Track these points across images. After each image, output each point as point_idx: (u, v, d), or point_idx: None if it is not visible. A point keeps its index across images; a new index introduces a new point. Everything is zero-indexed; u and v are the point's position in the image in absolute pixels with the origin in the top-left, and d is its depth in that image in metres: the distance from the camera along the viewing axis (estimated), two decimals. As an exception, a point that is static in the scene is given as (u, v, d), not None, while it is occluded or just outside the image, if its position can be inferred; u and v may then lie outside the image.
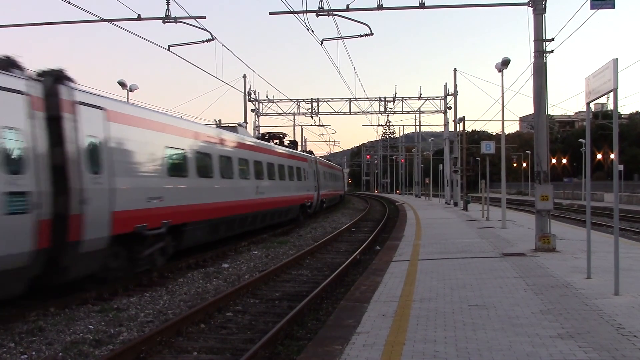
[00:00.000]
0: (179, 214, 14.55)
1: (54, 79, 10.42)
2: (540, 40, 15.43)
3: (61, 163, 10.21)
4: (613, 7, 14.45)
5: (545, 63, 15.49)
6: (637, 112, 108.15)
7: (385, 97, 45.74)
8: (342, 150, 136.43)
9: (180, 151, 15.08)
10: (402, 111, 46.78)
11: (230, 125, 24.49)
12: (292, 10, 17.80)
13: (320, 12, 17.71)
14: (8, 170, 8.95)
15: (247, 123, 39.53)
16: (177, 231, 14.53)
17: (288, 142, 35.75)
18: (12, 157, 9.15)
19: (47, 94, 10.12)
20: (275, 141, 31.78)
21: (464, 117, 37.85)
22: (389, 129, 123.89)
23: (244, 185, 20.22)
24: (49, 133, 9.97)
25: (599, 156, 76.74)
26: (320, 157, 46.20)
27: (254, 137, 27.86)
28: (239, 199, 19.41)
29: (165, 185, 13.98)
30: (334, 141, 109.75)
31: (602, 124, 63.93)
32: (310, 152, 41.59)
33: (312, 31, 18.81)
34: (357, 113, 47.19)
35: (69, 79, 10.76)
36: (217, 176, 17.57)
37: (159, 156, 13.82)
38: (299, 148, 43.84)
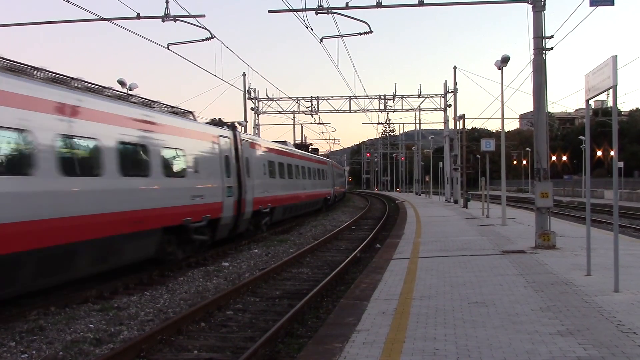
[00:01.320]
0: (273, 201, 23.57)
1: (233, 127, 19.37)
2: (539, 37, 15.38)
3: (238, 171, 18.86)
4: (612, 4, 14.38)
5: (545, 60, 15.44)
6: (636, 109, 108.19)
7: (385, 95, 45.91)
8: (342, 148, 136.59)
9: (273, 162, 24.61)
10: (402, 109, 46.82)
11: (279, 140, 33.23)
12: (291, 8, 17.78)
13: (319, 10, 17.67)
14: (227, 175, 17.57)
15: (247, 121, 39.50)
16: (271, 212, 23.35)
17: (310, 149, 46.87)
18: (228, 168, 17.75)
19: (233, 136, 18.93)
20: (302, 149, 40.50)
21: (463, 114, 37.82)
22: (389, 127, 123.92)
23: (296, 183, 29.72)
24: (235, 156, 18.69)
25: (599, 153, 76.67)
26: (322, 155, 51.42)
27: (294, 146, 37.91)
28: (294, 192, 28.82)
29: (269, 182, 23.13)
30: (334, 139, 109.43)
31: (601, 121, 63.98)
32: (327, 156, 52.12)
33: (312, 29, 18.82)
34: (356, 111, 47.34)
35: (236, 127, 19.67)
36: (286, 177, 27.12)
37: (267, 166, 23.22)
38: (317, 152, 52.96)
